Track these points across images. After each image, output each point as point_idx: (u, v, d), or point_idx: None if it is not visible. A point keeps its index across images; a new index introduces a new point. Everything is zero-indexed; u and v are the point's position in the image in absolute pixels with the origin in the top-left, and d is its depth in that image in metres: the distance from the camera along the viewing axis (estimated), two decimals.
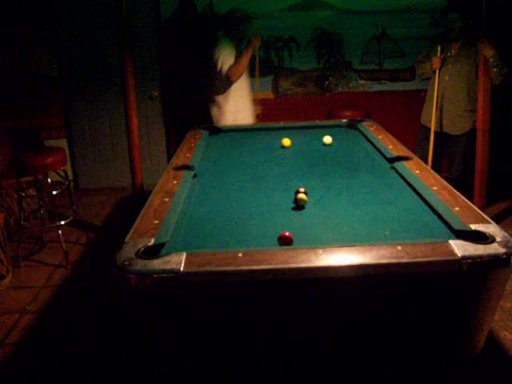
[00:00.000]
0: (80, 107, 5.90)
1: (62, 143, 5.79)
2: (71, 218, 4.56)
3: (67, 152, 5.68)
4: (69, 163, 5.73)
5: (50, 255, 4.43)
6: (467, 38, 4.40)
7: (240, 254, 1.77)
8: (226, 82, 4.59)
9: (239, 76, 4.56)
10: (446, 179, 4.23)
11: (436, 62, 4.46)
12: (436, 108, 4.55)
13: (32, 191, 5.04)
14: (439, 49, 4.46)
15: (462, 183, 4.38)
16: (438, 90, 4.51)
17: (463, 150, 4.58)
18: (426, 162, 4.37)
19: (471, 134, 4.45)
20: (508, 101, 5.53)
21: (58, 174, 4.67)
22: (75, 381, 2.89)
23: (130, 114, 4.25)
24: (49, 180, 4.36)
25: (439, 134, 4.64)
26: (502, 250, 1.77)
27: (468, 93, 4.44)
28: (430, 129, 4.61)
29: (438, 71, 4.48)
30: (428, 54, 4.65)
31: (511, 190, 5.47)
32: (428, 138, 4.64)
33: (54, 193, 4.46)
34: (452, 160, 4.69)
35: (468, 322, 1.85)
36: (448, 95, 4.52)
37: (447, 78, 4.49)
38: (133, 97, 4.23)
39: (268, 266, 1.71)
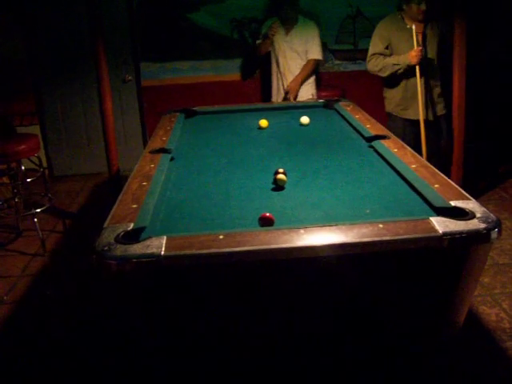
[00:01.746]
0: (52, 93, 5.79)
1: (35, 130, 5.67)
2: (47, 205, 4.49)
3: (40, 139, 5.58)
4: (43, 150, 5.63)
5: (26, 244, 4.37)
6: (431, 17, 4.11)
7: (221, 236, 1.75)
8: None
9: (259, 55, 5.10)
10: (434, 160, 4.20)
11: (416, 56, 3.97)
12: (421, 98, 4.13)
13: (6, 179, 4.94)
14: (415, 35, 3.96)
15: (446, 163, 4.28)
16: (421, 85, 4.09)
17: (448, 129, 4.33)
18: None
19: (449, 110, 4.30)
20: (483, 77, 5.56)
21: (32, 162, 4.59)
22: (54, 371, 2.86)
23: (104, 98, 4.18)
24: (23, 168, 4.27)
25: (417, 122, 4.26)
26: (482, 226, 1.78)
27: (441, 72, 4.23)
28: (410, 120, 4.29)
29: (418, 66, 4.02)
30: (390, 44, 4.19)
31: (487, 167, 5.54)
32: (412, 131, 4.29)
33: (29, 180, 4.38)
34: (436, 144, 4.37)
35: (450, 297, 1.87)
36: (424, 80, 4.16)
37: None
38: (106, 81, 4.16)
39: (250, 248, 1.69)
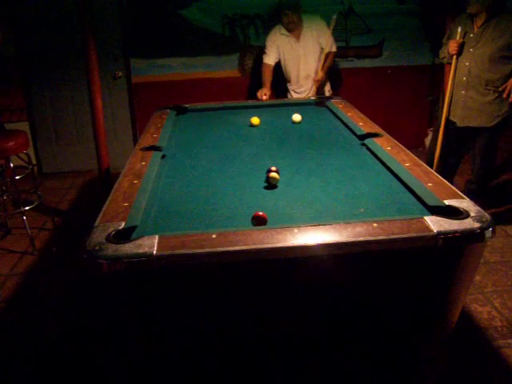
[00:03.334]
0: (41, 89, 5.72)
1: (24, 126, 5.61)
2: (36, 203, 4.45)
3: (29, 135, 5.52)
4: (31, 147, 5.57)
5: (15, 242, 4.32)
6: (493, 11, 3.70)
7: (214, 236, 1.73)
8: None
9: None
10: (469, 182, 4.16)
11: (452, 46, 3.84)
12: (452, 97, 4.00)
13: None
14: (459, 30, 3.80)
15: (483, 188, 4.07)
16: (453, 77, 3.94)
17: (486, 145, 3.99)
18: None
19: (498, 127, 3.91)
20: None
21: (21, 159, 4.54)
22: (46, 369, 2.83)
23: (94, 94, 4.13)
24: (11, 164, 4.22)
25: (458, 129, 4.05)
26: (476, 225, 1.77)
27: (493, 79, 3.78)
28: (453, 123, 4.06)
29: (455, 57, 3.88)
30: (450, 34, 4.02)
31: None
32: (453, 134, 4.09)
33: (17, 178, 4.33)
34: (474, 159, 4.11)
35: (444, 296, 1.86)
36: (471, 83, 3.86)
37: (467, 63, 3.85)
38: (96, 77, 4.11)
39: (243, 247, 1.67)
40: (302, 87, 4.98)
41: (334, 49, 4.88)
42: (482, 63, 3.78)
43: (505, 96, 3.77)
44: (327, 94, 4.98)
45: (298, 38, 4.78)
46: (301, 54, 4.83)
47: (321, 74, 4.78)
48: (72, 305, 3.41)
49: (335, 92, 5.28)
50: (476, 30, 3.79)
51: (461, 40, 3.84)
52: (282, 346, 1.92)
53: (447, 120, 4.09)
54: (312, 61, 4.85)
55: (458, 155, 4.26)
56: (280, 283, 1.78)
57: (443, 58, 4.16)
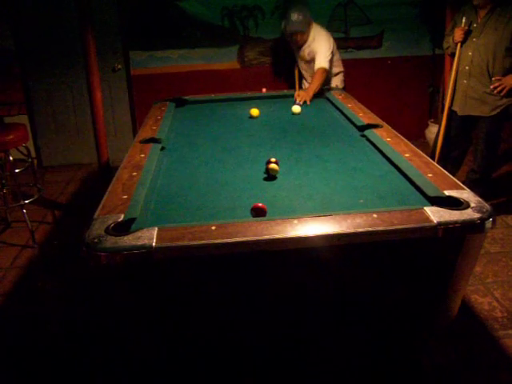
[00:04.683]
0: (40, 82, 5.70)
1: (24, 120, 5.60)
2: (36, 196, 4.44)
3: (29, 128, 5.51)
4: (31, 140, 5.56)
5: (15, 235, 4.32)
6: (496, 2, 3.70)
7: (213, 227, 1.72)
8: None
9: None
10: (471, 172, 4.15)
11: (457, 33, 3.85)
12: (454, 86, 4.00)
13: None
14: (464, 20, 3.82)
15: (486, 178, 4.05)
16: (457, 67, 3.94)
17: (487, 134, 3.95)
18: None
19: (499, 116, 3.87)
20: None
21: (21, 152, 4.52)
22: (45, 363, 2.83)
23: (94, 87, 4.11)
24: (11, 158, 4.21)
25: (460, 119, 4.05)
26: (476, 216, 1.76)
27: (495, 70, 3.76)
28: (455, 112, 4.06)
29: (459, 45, 3.88)
30: (454, 25, 4.01)
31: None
32: (455, 124, 4.10)
33: (17, 171, 4.32)
34: (476, 149, 4.09)
35: (444, 287, 1.86)
36: (474, 73, 3.86)
37: (470, 53, 3.84)
38: (96, 69, 4.09)
39: (242, 238, 1.67)
40: None
41: (322, 64, 4.34)
42: (484, 53, 3.77)
43: (495, 92, 3.79)
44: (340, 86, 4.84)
45: (300, 46, 4.66)
46: (301, 60, 4.78)
47: (303, 93, 4.05)
48: (72, 298, 3.40)
49: None
50: (479, 20, 3.78)
51: (466, 27, 3.82)
52: (281, 339, 1.92)
53: (450, 110, 4.09)
54: (308, 75, 4.77)
55: (461, 147, 4.23)
56: (280, 275, 1.78)
57: (447, 48, 4.14)
